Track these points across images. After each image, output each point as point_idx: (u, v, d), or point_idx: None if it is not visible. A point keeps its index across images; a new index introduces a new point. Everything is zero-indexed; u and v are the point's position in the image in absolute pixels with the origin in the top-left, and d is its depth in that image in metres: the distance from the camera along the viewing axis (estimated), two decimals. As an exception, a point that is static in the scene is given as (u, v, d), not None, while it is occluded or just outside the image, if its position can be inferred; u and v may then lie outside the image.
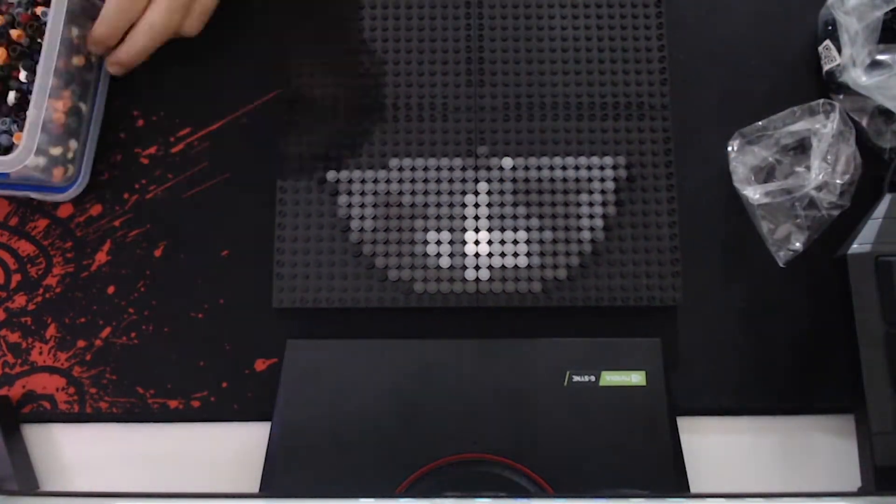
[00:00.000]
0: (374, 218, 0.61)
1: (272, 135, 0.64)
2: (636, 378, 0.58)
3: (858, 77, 0.60)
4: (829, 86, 0.65)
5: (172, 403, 0.61)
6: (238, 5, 0.66)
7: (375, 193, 0.62)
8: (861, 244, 0.57)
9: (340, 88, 0.64)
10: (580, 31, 0.65)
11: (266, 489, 0.57)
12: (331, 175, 0.62)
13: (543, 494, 0.56)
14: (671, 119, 0.63)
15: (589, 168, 0.63)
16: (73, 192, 0.63)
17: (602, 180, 0.62)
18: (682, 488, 0.57)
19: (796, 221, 0.61)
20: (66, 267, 0.63)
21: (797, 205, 0.61)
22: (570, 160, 0.63)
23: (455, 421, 0.58)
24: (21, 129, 0.59)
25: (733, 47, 0.67)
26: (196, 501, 0.51)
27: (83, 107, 0.63)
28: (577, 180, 0.62)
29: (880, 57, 0.60)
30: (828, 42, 0.63)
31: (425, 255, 0.61)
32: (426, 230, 0.61)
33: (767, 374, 0.61)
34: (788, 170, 0.62)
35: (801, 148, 0.62)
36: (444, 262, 0.61)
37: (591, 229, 0.61)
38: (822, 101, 0.61)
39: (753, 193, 0.61)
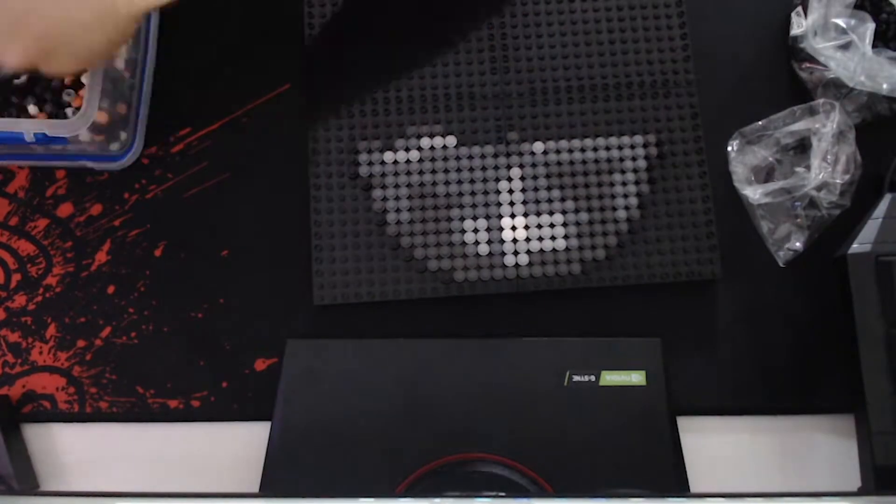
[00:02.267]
0: (410, 210, 0.62)
1: (272, 136, 0.64)
2: (636, 378, 0.59)
3: (815, 42, 0.60)
4: (791, 52, 0.64)
5: (172, 403, 0.61)
6: (240, 10, 0.67)
7: (409, 185, 0.62)
8: (861, 244, 0.57)
9: (366, 80, 0.63)
10: (601, 13, 0.65)
11: (266, 489, 0.57)
12: (363, 170, 0.62)
13: (543, 494, 0.56)
14: (697, 94, 0.64)
15: (620, 148, 0.63)
16: (128, 160, 0.64)
17: (634, 159, 0.63)
18: (682, 488, 0.57)
19: (796, 221, 0.61)
20: (66, 266, 0.63)
21: (797, 204, 0.61)
22: (600, 141, 0.63)
23: (455, 420, 0.58)
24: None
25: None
26: (196, 501, 0.51)
27: (130, 71, 0.63)
28: (609, 160, 0.63)
29: (838, 21, 0.59)
30: (799, 7, 0.63)
31: (463, 243, 0.61)
32: (462, 219, 0.61)
33: (768, 374, 0.61)
34: (788, 170, 0.62)
35: (802, 148, 0.62)
36: (483, 249, 0.61)
37: (626, 208, 0.62)
38: (822, 101, 0.61)
39: (753, 193, 0.61)
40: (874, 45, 0.59)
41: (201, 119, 0.65)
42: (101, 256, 0.63)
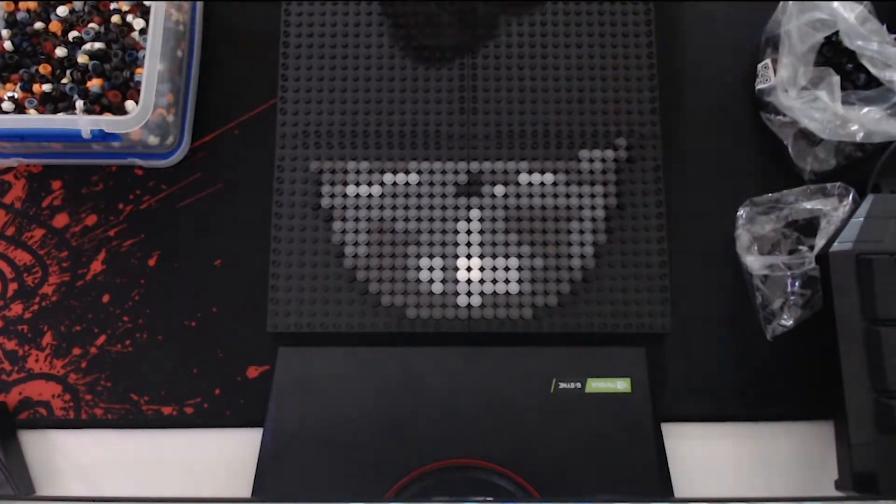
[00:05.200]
0: (368, 244, 0.62)
1: (264, 148, 0.65)
2: (621, 385, 0.59)
3: (786, 98, 0.60)
4: (759, 103, 0.65)
5: (166, 410, 0.62)
6: (232, 22, 0.68)
7: (370, 220, 0.63)
8: (842, 242, 0.57)
9: (334, 113, 0.65)
10: (571, 61, 0.65)
11: (258, 494, 0.58)
12: (325, 201, 0.63)
13: (530, 499, 0.57)
14: (661, 147, 0.64)
15: (580, 196, 0.63)
16: (175, 158, 0.65)
17: (593, 208, 0.63)
18: (666, 492, 0.58)
19: (791, 298, 0.61)
20: (61, 276, 0.64)
21: (795, 282, 0.61)
22: (560, 188, 0.63)
23: (443, 427, 0.59)
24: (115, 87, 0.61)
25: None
26: (188, 506, 0.52)
27: (180, 70, 0.64)
28: (569, 208, 0.63)
29: (803, 80, 0.60)
30: (768, 61, 0.64)
31: (418, 281, 0.62)
32: (419, 256, 0.62)
33: (750, 382, 0.62)
34: (792, 246, 0.62)
35: (810, 226, 0.62)
36: (437, 287, 0.62)
37: (582, 256, 0.62)
38: (838, 183, 0.61)
39: (754, 263, 0.61)
40: (843, 88, 0.60)
41: (194, 131, 0.66)
42: (97, 266, 0.64)
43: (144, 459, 0.61)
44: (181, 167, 0.65)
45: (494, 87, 0.65)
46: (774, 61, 0.63)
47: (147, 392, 0.62)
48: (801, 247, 0.62)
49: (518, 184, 0.63)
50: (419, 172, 0.64)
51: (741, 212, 0.63)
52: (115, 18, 0.63)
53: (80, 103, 0.61)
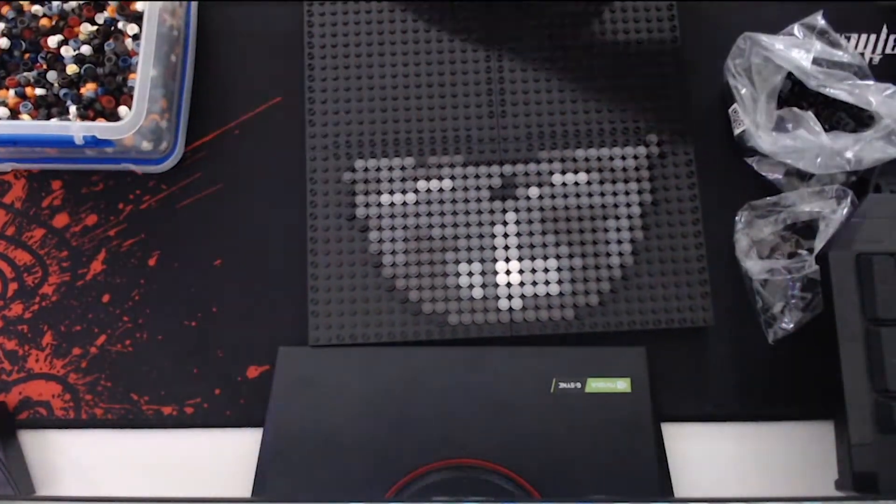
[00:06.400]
0: (406, 252, 0.62)
1: (265, 147, 0.65)
2: (621, 385, 0.59)
3: (765, 143, 0.60)
4: (740, 148, 0.65)
5: (166, 410, 0.62)
6: (232, 21, 0.68)
7: (405, 228, 0.63)
8: (842, 242, 0.57)
9: (365, 123, 0.65)
10: (596, 61, 0.65)
11: (258, 494, 0.58)
12: (360, 211, 0.63)
13: (530, 499, 0.57)
14: (692, 142, 0.64)
15: (615, 194, 0.63)
16: (169, 163, 0.65)
17: (628, 206, 0.63)
18: (666, 493, 0.58)
19: (791, 301, 0.61)
20: (61, 276, 0.64)
21: (795, 285, 0.61)
22: (595, 187, 0.63)
23: (444, 427, 0.59)
24: (109, 92, 0.61)
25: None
26: (189, 506, 0.52)
27: (173, 75, 0.64)
28: (604, 206, 0.63)
29: (779, 117, 0.60)
30: (736, 105, 0.63)
31: (458, 286, 0.62)
32: (457, 262, 0.62)
33: (750, 383, 0.62)
34: (792, 249, 0.62)
35: (809, 229, 0.62)
36: (477, 292, 0.62)
37: (620, 254, 0.62)
38: (836, 186, 0.60)
39: (753, 267, 0.61)
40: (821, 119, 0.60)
41: (194, 131, 0.66)
42: (97, 266, 0.64)
43: (144, 459, 0.61)
44: (181, 167, 0.65)
45: (522, 89, 0.65)
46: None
47: (147, 392, 0.62)
48: (800, 250, 0.62)
49: (552, 184, 0.63)
50: (452, 178, 0.64)
51: (739, 216, 0.63)
52: (102, 19, 0.63)
53: (73, 108, 0.61)
